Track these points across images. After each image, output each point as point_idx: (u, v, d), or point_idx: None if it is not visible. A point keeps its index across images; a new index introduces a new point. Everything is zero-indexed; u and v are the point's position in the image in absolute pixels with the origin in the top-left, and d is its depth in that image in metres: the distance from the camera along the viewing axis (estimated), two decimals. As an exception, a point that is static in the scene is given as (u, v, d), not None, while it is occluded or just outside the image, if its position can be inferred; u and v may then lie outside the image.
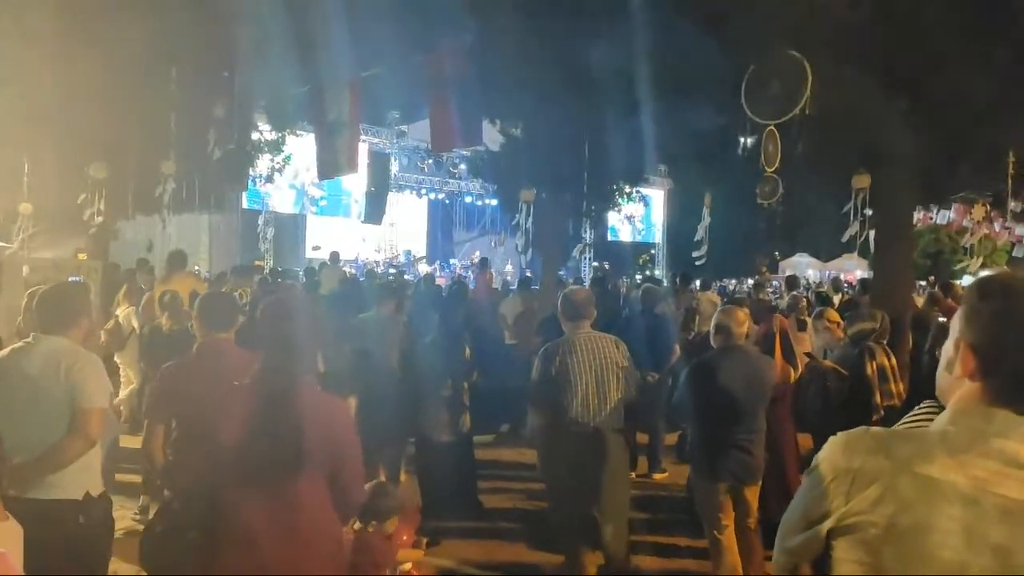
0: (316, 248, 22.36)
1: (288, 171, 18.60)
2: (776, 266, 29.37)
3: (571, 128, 8.88)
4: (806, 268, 29.73)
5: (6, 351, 3.25)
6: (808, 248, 30.10)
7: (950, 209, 19.13)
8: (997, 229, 17.87)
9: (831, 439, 1.37)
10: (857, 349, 5.42)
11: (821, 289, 10.09)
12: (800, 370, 5.61)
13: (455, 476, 5.78)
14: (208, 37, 7.66)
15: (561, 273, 13.11)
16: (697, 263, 9.01)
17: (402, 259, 22.87)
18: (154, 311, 6.04)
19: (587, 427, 4.19)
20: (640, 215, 26.42)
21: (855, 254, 29.40)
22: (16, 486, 3.10)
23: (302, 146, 14.21)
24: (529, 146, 9.35)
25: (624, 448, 4.45)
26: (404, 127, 21.19)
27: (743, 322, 4.49)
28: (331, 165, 10.97)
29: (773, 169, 6.28)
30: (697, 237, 8.86)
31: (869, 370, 5.30)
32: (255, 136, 9.90)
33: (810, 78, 5.64)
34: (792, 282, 9.34)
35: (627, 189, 12.26)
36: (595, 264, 20.87)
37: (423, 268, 22.87)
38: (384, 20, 9.47)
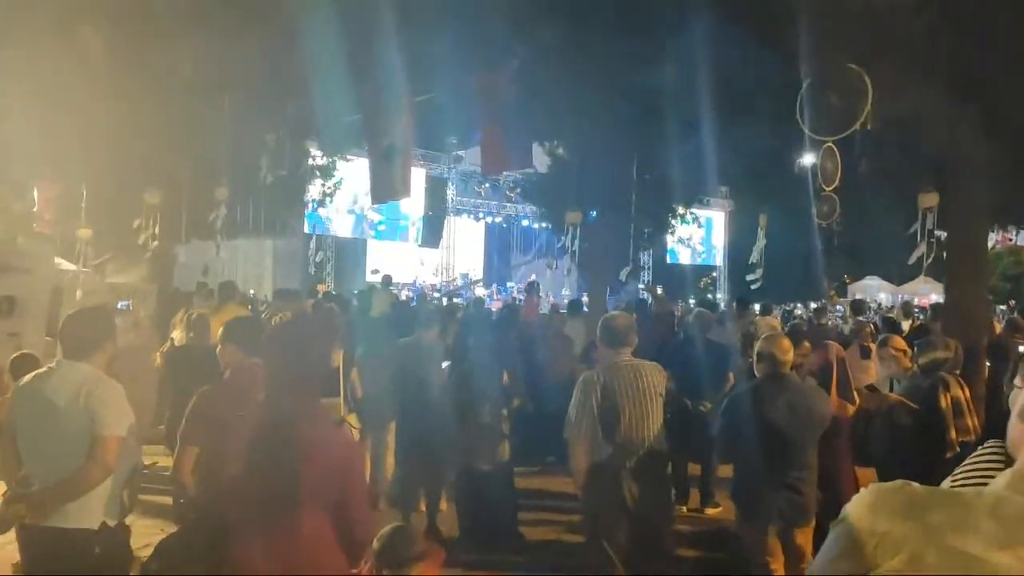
0: (375, 272, 22.63)
1: (347, 196, 18.94)
2: (845, 289, 28.21)
3: (621, 149, 8.66)
4: (877, 292, 28.43)
5: (30, 376, 3.22)
6: (879, 271, 28.82)
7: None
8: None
9: (861, 491, 1.13)
10: (929, 380, 4.98)
11: (889, 314, 9.45)
12: (858, 403, 5.20)
13: (494, 506, 5.56)
14: (260, 64, 7.78)
15: (618, 295, 12.81)
16: (752, 287, 8.59)
17: (459, 282, 22.91)
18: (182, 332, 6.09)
19: (630, 460, 3.92)
20: (699, 238, 25.84)
21: (930, 278, 28.09)
22: (34, 513, 3.05)
23: (356, 171, 14.42)
24: (577, 168, 9.15)
25: (668, 482, 4.15)
26: (461, 152, 21.34)
27: (788, 349, 4.23)
28: (385, 189, 10.98)
29: (832, 188, 5.90)
30: (752, 259, 8.45)
31: (943, 403, 4.86)
32: (308, 161, 10.04)
33: (870, 91, 5.28)
34: (858, 307, 8.75)
35: (681, 211, 11.91)
36: (640, 287, 20.39)
37: (480, 291, 22.87)
38: (436, 42, 9.48)
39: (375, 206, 19.74)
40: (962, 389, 4.97)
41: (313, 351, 2.45)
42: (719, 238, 28.07)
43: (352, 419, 5.55)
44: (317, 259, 16.36)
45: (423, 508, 6.00)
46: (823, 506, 4.25)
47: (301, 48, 8.02)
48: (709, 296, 24.42)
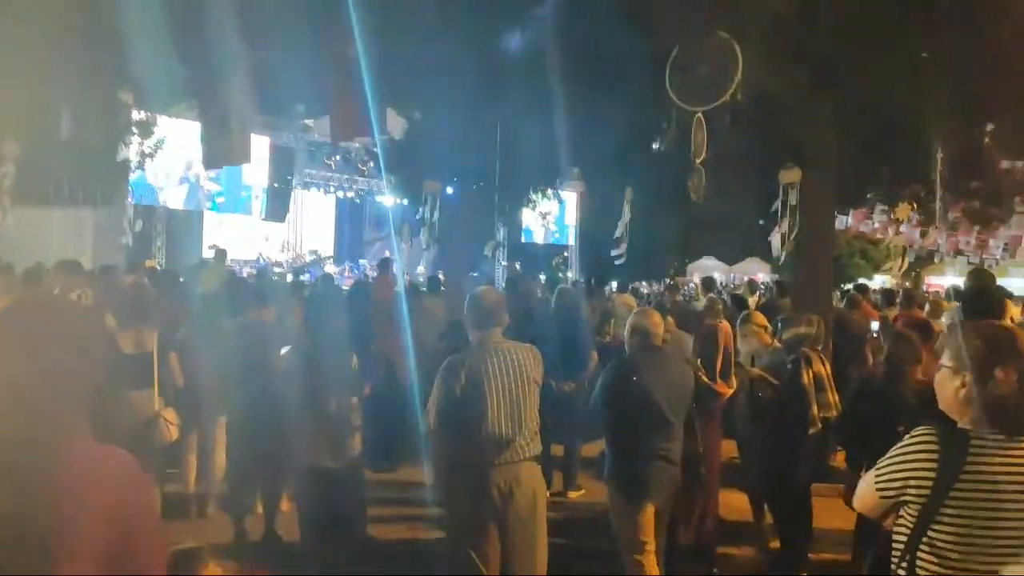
0: (213, 247, 20.73)
1: (178, 162, 17.07)
2: (684, 269, 29.62)
3: (481, 118, 8.11)
4: (712, 271, 30.09)
5: None
6: (714, 251, 30.51)
7: (848, 215, 19.60)
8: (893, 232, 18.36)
9: None
10: (792, 356, 4.89)
11: (737, 291, 9.66)
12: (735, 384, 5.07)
13: (341, 505, 4.89)
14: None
15: (474, 275, 12.32)
16: (617, 262, 8.41)
17: (308, 259, 21.53)
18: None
19: (498, 455, 3.41)
20: (555, 214, 25.99)
21: (757, 258, 30.11)
22: None
23: (186, 132, 12.83)
24: (435, 134, 8.46)
25: (542, 481, 3.69)
26: (308, 121, 19.89)
27: (659, 323, 4.22)
28: (219, 153, 9.75)
29: (701, 160, 5.69)
30: (616, 234, 8.25)
31: (805, 378, 4.78)
32: (123, 116, 8.59)
33: (740, 61, 5.09)
34: (708, 284, 8.82)
35: (542, 187, 11.61)
36: (504, 264, 20.08)
37: (330, 269, 21.62)
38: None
39: (211, 174, 18.03)
40: (823, 365, 4.93)
41: (61, 348, 1.67)
42: (571, 218, 28.44)
43: (169, 414, 4.63)
44: (137, 229, 14.49)
45: (259, 510, 5.25)
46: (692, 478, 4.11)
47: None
48: (560, 275, 24.67)
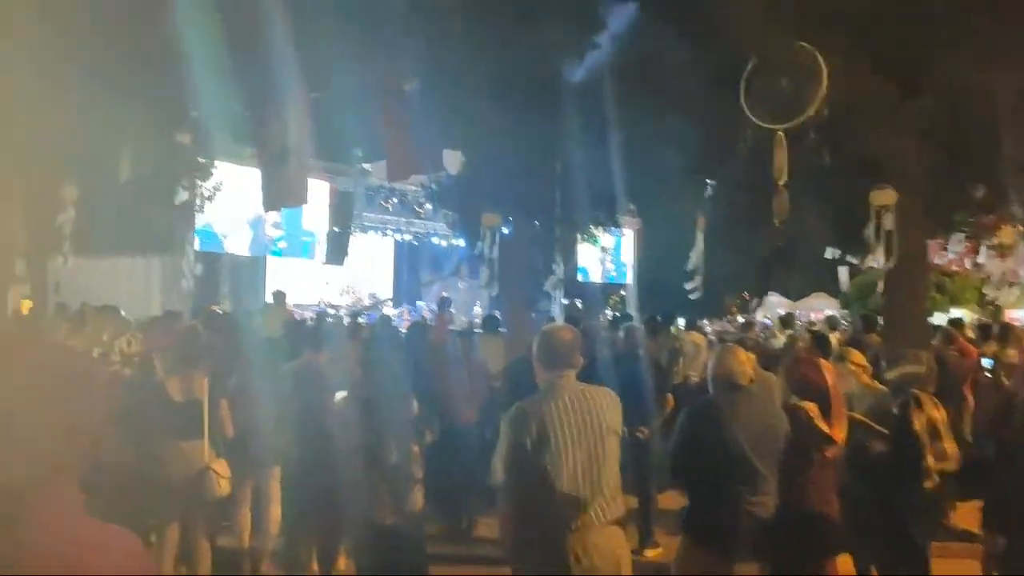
0: (275, 292, 20.94)
1: (242, 210, 17.36)
2: (747, 306, 28.40)
3: (539, 149, 7.78)
4: (776, 308, 28.73)
5: None
6: (776, 286, 29.29)
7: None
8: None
9: None
10: (899, 399, 4.31)
11: (816, 327, 8.93)
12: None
13: (399, 565, 4.47)
14: (122, 38, 6.41)
15: (533, 315, 11.93)
16: (691, 296, 7.85)
17: (367, 302, 21.50)
18: None
19: (575, 518, 2.96)
20: (611, 251, 25.47)
21: (823, 293, 28.74)
22: None
23: (249, 180, 12.98)
24: (492, 167, 8.14)
25: (626, 547, 3.21)
26: (367, 166, 20.09)
27: (746, 361, 3.82)
28: (278, 194, 9.71)
29: (783, 182, 5.19)
30: (690, 266, 7.69)
31: (917, 424, 4.18)
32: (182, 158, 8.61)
33: (824, 73, 4.62)
34: (787, 320, 8.09)
35: (603, 219, 11.15)
36: (565, 302, 19.53)
37: (389, 311, 21.54)
38: (334, 39, 8.40)
39: (274, 219, 18.28)
40: (937, 408, 4.32)
41: (50, 397, 1.33)
42: (628, 256, 27.87)
43: (220, 466, 4.33)
44: (197, 273, 14.61)
45: (315, 567, 4.87)
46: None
47: (178, 25, 6.72)
48: (618, 312, 23.97)
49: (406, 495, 4.55)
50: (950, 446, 4.24)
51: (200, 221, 17.62)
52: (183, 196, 8.82)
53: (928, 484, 4.15)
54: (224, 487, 4.29)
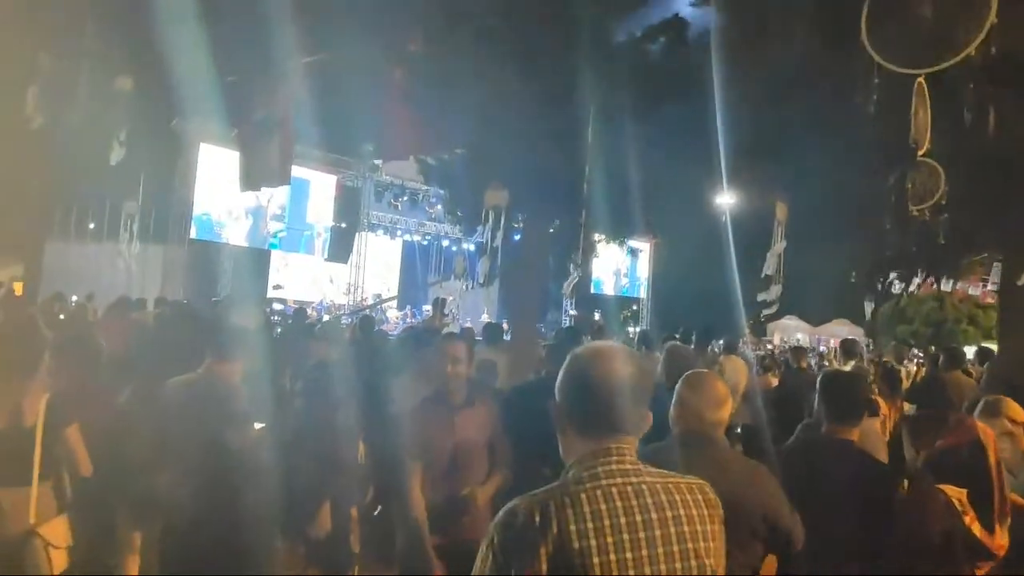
0: (278, 287, 19.49)
1: (239, 199, 15.96)
2: (763, 328, 26.51)
3: (567, 137, 6.14)
4: (794, 332, 26.86)
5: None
6: (795, 310, 27.48)
7: (954, 278, 16.81)
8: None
9: None
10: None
11: (886, 359, 7.03)
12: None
13: None
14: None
15: (541, 327, 10.28)
16: (766, 310, 6.17)
17: (370, 303, 19.99)
18: None
19: None
20: (625, 267, 23.90)
21: (845, 319, 26.88)
22: None
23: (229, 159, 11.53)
24: (498, 142, 6.32)
25: None
26: (378, 161, 18.63)
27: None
28: (258, 173, 8.19)
29: (924, 152, 3.52)
30: (766, 271, 5.93)
31: None
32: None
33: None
34: (850, 348, 6.34)
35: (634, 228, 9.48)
36: (572, 313, 17.63)
37: (392, 314, 20.04)
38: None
39: (273, 213, 16.88)
40: None
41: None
42: (643, 270, 26.25)
43: (57, 528, 2.72)
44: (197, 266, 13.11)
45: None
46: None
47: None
48: (631, 328, 22.25)
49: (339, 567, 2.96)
50: None
51: (197, 209, 16.24)
52: (120, 154, 7.28)
53: None
54: (57, 562, 2.66)
